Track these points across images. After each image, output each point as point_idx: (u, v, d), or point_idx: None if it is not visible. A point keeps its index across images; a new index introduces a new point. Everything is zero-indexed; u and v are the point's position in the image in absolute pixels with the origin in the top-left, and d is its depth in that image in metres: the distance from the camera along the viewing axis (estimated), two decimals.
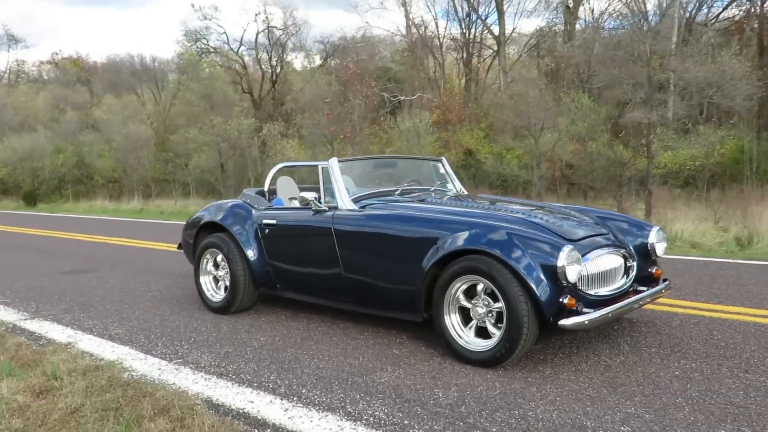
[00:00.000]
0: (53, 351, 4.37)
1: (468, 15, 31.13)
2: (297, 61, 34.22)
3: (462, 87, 30.24)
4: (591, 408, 3.10)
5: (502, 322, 3.68)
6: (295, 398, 3.39)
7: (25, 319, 5.38)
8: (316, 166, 5.03)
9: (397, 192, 4.94)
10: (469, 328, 3.88)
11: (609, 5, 27.58)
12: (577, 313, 3.59)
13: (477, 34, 32.13)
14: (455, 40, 32.53)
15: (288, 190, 5.72)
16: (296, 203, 5.53)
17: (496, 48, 30.63)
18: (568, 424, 2.93)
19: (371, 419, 3.07)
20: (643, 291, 4.14)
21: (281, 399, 3.38)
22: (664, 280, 4.39)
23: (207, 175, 24.85)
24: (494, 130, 25.57)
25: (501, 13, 28.61)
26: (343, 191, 4.63)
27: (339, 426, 3.01)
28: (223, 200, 5.95)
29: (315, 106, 21.58)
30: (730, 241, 9.53)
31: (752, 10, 24.31)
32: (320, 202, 4.68)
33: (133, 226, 15.31)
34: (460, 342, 3.85)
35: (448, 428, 2.93)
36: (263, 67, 33.02)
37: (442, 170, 5.54)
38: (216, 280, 5.47)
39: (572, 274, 3.56)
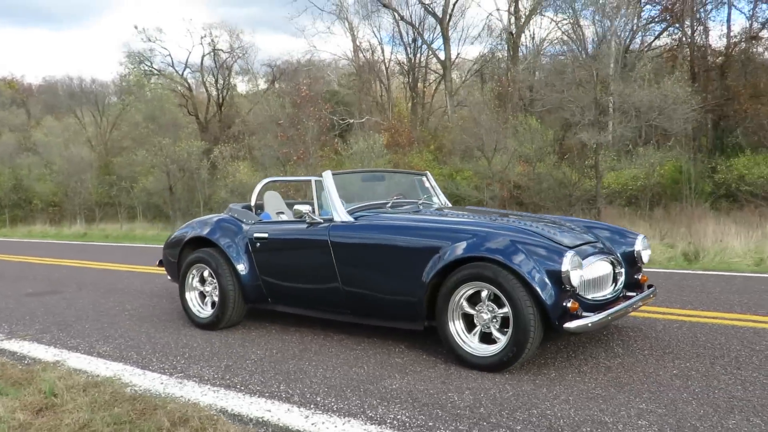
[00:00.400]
0: (43, 369, 4.25)
1: (414, 40, 31.71)
2: (243, 84, 34.02)
3: (409, 110, 30.65)
4: (605, 405, 3.22)
5: (506, 327, 3.78)
6: (311, 406, 3.39)
7: (1, 340, 5.19)
8: (301, 180, 5.06)
9: (388, 205, 5.01)
10: (473, 335, 3.96)
11: (549, 33, 28.65)
12: (579, 316, 3.73)
13: (422, 59, 32.76)
14: (401, 65, 33.05)
15: (275, 205, 5.73)
16: (284, 217, 5.57)
17: (441, 72, 31.27)
18: (588, 420, 3.04)
19: (395, 422, 3.11)
20: (633, 296, 4.32)
21: (298, 407, 3.39)
22: (650, 286, 4.59)
23: (154, 198, 24.35)
24: (443, 152, 26.02)
25: (446, 39, 29.22)
26: (339, 203, 4.67)
27: (365, 429, 3.04)
28: (206, 216, 5.90)
29: (266, 128, 21.48)
30: (678, 257, 9.92)
31: (683, 39, 25.59)
32: (314, 215, 4.71)
33: (84, 249, 14.87)
34: (466, 348, 3.93)
35: (473, 428, 3.00)
36: (209, 89, 32.73)
37: (426, 184, 5.65)
38: (203, 295, 5.40)
39: (575, 278, 3.70)
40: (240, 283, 5.07)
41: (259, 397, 3.58)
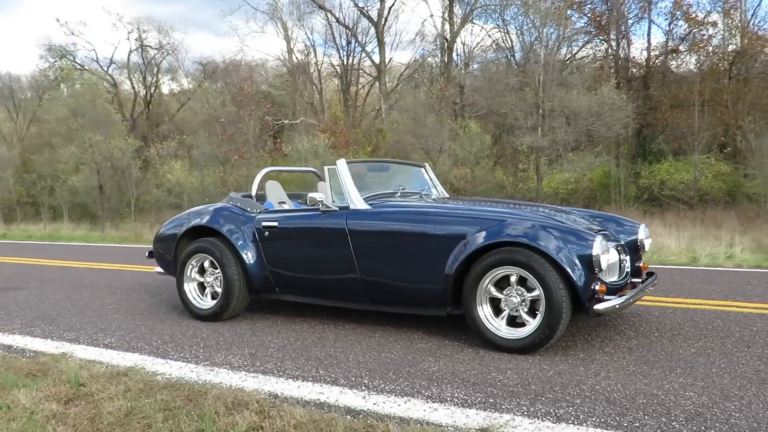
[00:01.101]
0: (56, 360, 4.07)
1: (348, 43, 31.82)
2: (173, 82, 33.13)
3: (343, 112, 30.69)
4: (646, 380, 3.38)
5: (535, 311, 3.91)
6: (362, 387, 3.41)
7: None
8: (301, 171, 5.05)
9: (397, 194, 5.06)
10: (501, 318, 4.06)
11: (481, 40, 29.39)
12: (603, 299, 3.90)
13: (355, 62, 32.91)
14: (334, 67, 33.08)
15: (276, 194, 5.67)
16: (286, 206, 5.52)
17: (374, 75, 31.52)
18: (639, 393, 3.19)
19: (455, 399, 3.17)
20: (639, 282, 4.53)
21: (350, 389, 3.39)
22: (650, 274, 4.82)
23: (81, 198, 23.34)
24: (379, 155, 26.18)
25: (381, 42, 29.46)
26: (354, 191, 4.67)
27: (429, 406, 3.09)
28: (202, 205, 5.77)
29: (203, 127, 21.02)
30: None
31: (609, 50, 26.81)
32: (328, 203, 4.69)
33: (19, 248, 14.11)
34: (496, 332, 4.02)
35: (534, 403, 3.09)
36: (136, 87, 31.74)
37: (425, 176, 5.73)
38: (202, 287, 5.29)
39: (604, 262, 3.87)
40: (246, 273, 4.99)
41: (302, 381, 3.56)
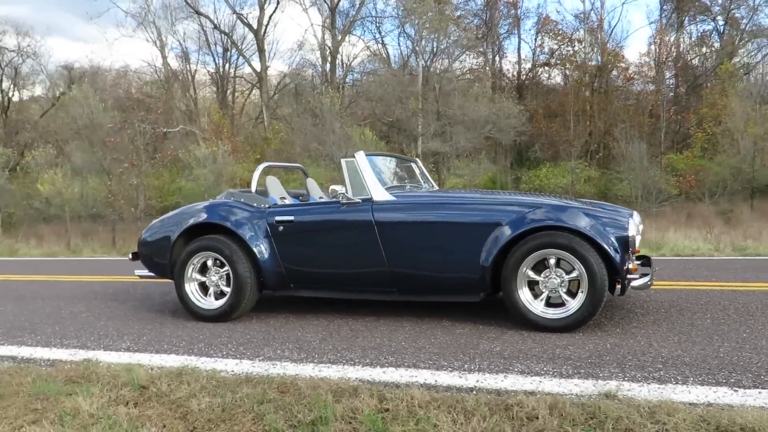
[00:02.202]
0: (92, 365, 3.77)
1: (226, 50, 31.15)
2: (35, 87, 30.79)
3: (225, 119, 30.00)
4: (692, 345, 3.69)
5: (572, 291, 4.14)
6: (449, 368, 3.46)
7: None
8: (291, 167, 5.01)
9: (407, 188, 5.13)
10: (540, 300, 4.25)
11: (361, 51, 29.92)
12: (638, 277, 4.21)
13: (233, 69, 32.29)
14: (211, 75, 32.26)
15: (277, 190, 5.53)
16: (288, 202, 5.42)
17: (255, 82, 31.08)
18: (705, 356, 3.47)
19: (548, 373, 3.31)
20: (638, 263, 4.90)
21: (438, 370, 3.43)
22: (643, 257, 5.21)
23: None
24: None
25: (262, 50, 29.15)
26: (376, 183, 4.69)
27: (529, 380, 3.20)
28: (197, 203, 5.49)
29: (81, 134, 19.69)
30: None
31: (485, 63, 28.26)
32: (350, 195, 4.68)
33: None
34: (541, 313, 4.20)
35: (617, 371, 3.29)
36: None
37: (416, 170, 5.82)
38: (203, 287, 5.06)
39: (637, 242, 4.17)
40: (258, 270, 4.85)
41: (380, 367, 3.55)
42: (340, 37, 28.19)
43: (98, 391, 3.34)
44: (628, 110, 26.41)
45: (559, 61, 28.51)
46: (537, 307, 4.23)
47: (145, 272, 5.53)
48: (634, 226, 4.16)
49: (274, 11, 28.97)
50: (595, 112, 25.91)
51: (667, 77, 27.72)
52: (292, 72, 31.41)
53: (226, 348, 4.13)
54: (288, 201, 5.54)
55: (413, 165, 5.89)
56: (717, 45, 29.21)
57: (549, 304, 4.25)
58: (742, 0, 28.63)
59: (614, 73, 27.57)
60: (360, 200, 4.66)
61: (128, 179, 17.30)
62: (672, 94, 27.45)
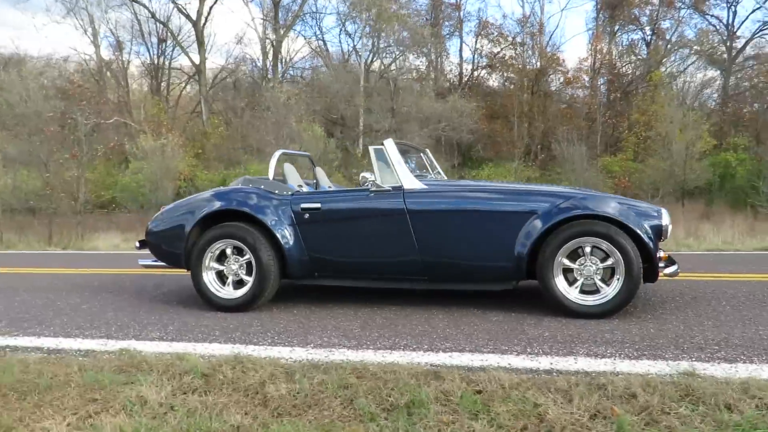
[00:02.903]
0: (130, 356, 3.60)
1: (163, 40, 30.23)
2: None
3: (163, 111, 29.12)
4: (739, 329, 3.86)
5: (609, 278, 4.24)
6: (515, 353, 3.48)
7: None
8: (298, 155, 4.99)
9: (430, 176, 5.13)
10: (575, 287, 4.33)
11: (302, 47, 29.70)
12: (668, 266, 4.36)
13: (168, 61, 31.39)
14: (146, 66, 31.24)
15: (295, 178, 5.41)
16: (305, 189, 5.33)
17: (193, 74, 30.30)
18: (754, 337, 3.64)
19: (599, 355, 3.38)
20: None
21: (503, 354, 3.46)
22: None
23: None
24: (205, 158, 25.23)
25: (201, 43, 28.45)
26: (406, 171, 4.67)
27: (592, 361, 3.28)
28: (213, 190, 5.29)
29: (12, 123, 18.67)
30: None
31: (429, 64, 28.56)
32: (380, 183, 4.64)
33: None
34: (579, 300, 4.27)
35: (665, 351, 3.41)
36: None
37: (426, 161, 5.82)
38: (221, 276, 4.90)
39: (669, 231, 4.32)
40: (282, 258, 4.74)
41: (444, 352, 3.55)
42: (283, 32, 27.83)
43: (157, 380, 3.19)
44: (566, 114, 27.28)
45: (498, 64, 29.12)
46: (572, 294, 4.30)
47: (150, 261, 5.31)
48: (667, 216, 4.30)
49: (214, 2, 28.28)
50: (536, 114, 26.61)
51: (600, 83, 28.78)
52: (230, 66, 30.77)
53: (269, 336, 4.02)
54: (305, 189, 5.43)
55: (423, 156, 5.89)
56: (644, 54, 30.58)
57: (582, 291, 4.33)
58: (668, 12, 30.16)
59: (553, 77, 28.47)
60: (390, 188, 4.62)
61: (68, 171, 16.53)
62: (605, 99, 28.49)
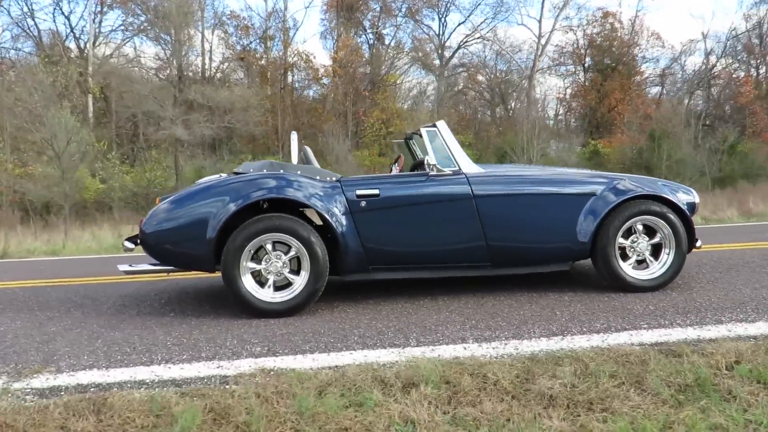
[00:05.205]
0: (296, 375, 2.95)
1: None
2: None
3: None
4: (749, 292, 4.42)
5: (656, 255, 4.56)
6: (566, 334, 3.58)
7: (29, 377, 3.05)
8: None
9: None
10: (628, 264, 4.56)
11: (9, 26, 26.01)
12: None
13: None
14: None
15: (314, 160, 4.74)
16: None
17: None
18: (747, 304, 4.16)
19: (661, 326, 3.65)
20: None
21: (571, 335, 3.55)
22: None
23: None
24: None
25: None
26: (463, 154, 4.46)
27: (669, 333, 3.51)
28: (233, 177, 4.32)
29: None
30: None
31: (166, 55, 26.85)
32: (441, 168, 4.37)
33: None
34: (637, 275, 4.52)
35: (723, 315, 3.81)
36: None
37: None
38: (256, 276, 4.16)
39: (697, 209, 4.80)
40: (335, 252, 4.21)
41: (506, 340, 3.52)
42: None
43: (391, 398, 2.69)
44: (317, 109, 28.03)
45: (243, 58, 28.60)
46: (628, 270, 4.53)
47: (137, 267, 4.31)
48: (697, 195, 4.77)
49: None
50: (288, 109, 26.78)
51: (338, 82, 30.02)
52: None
53: (345, 341, 3.59)
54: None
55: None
56: (367, 56, 32.73)
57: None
58: (387, 19, 32.97)
59: (302, 73, 28.95)
60: (451, 172, 4.38)
61: None
62: (352, 96, 29.79)
